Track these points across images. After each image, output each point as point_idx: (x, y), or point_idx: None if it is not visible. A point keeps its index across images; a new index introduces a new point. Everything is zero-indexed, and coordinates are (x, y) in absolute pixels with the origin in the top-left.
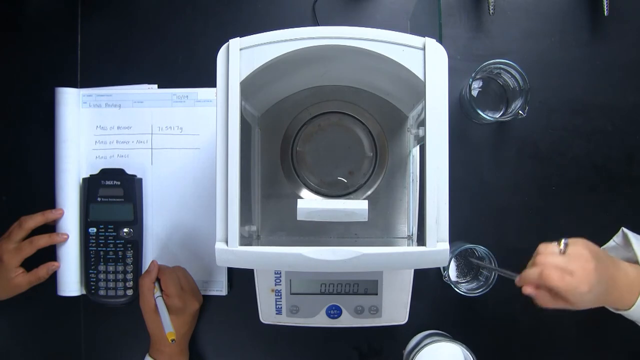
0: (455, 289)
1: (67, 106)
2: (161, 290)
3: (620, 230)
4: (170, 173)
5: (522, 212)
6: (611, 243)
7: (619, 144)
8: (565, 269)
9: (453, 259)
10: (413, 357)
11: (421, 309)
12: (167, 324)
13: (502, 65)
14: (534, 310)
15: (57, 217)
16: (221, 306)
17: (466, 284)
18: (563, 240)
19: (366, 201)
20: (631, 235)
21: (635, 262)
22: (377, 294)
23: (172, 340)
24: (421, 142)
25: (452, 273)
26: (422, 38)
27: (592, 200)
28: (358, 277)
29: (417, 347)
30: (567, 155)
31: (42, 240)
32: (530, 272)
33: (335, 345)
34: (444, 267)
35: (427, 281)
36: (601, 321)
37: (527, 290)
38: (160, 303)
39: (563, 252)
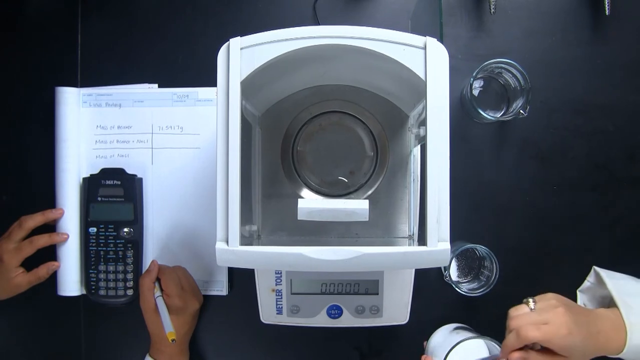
0: (457, 288)
1: (67, 106)
2: (161, 290)
3: (592, 269)
4: (170, 173)
5: (523, 212)
6: (586, 284)
7: (620, 144)
8: (539, 321)
9: (454, 258)
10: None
11: (422, 309)
12: (167, 324)
13: (503, 65)
14: None
15: (57, 216)
16: (222, 306)
17: (467, 283)
18: (530, 299)
19: (367, 201)
20: (603, 273)
21: (610, 301)
22: (377, 294)
23: (173, 340)
24: (422, 141)
25: (453, 273)
26: (423, 37)
27: (593, 200)
28: (359, 277)
29: (451, 345)
30: (568, 155)
31: (42, 240)
32: (509, 338)
33: (336, 345)
34: (444, 267)
35: (428, 281)
36: None
37: (515, 357)
38: (160, 303)
39: (533, 309)
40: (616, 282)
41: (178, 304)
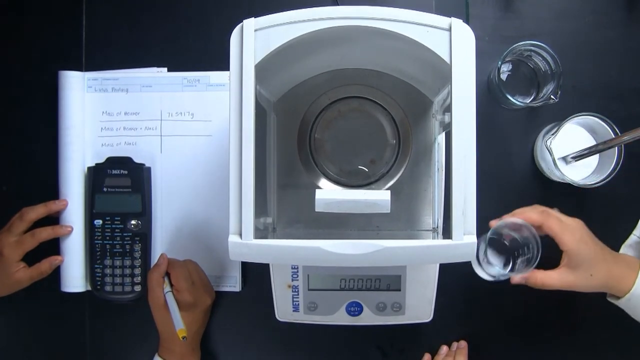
0: (488, 275)
1: (71, 91)
2: (171, 285)
3: (639, 222)
4: (180, 161)
5: (555, 202)
6: (632, 238)
7: None
8: (561, 218)
9: (485, 243)
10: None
11: (447, 306)
12: (177, 321)
13: (532, 47)
14: (566, 310)
15: (60, 208)
16: (235, 303)
17: (500, 270)
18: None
19: (388, 191)
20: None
21: None
22: (400, 290)
23: (183, 338)
24: (447, 128)
25: (485, 256)
26: (448, 18)
27: (628, 190)
28: (380, 272)
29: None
30: None
31: (45, 233)
32: (531, 211)
33: (356, 344)
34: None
35: (454, 276)
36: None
37: (516, 280)
38: (170, 298)
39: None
40: None
41: (189, 300)
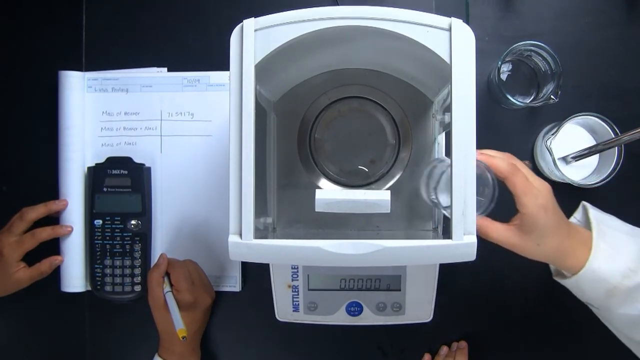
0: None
1: (71, 91)
2: (171, 285)
3: (581, 205)
4: (180, 161)
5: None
6: (572, 220)
7: None
8: (529, 176)
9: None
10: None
11: (447, 306)
12: (177, 320)
13: (532, 47)
14: (567, 310)
15: (60, 208)
16: (235, 303)
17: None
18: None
19: (389, 191)
20: (592, 208)
21: None
22: (400, 290)
23: (183, 338)
24: (447, 128)
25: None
26: (448, 18)
27: (628, 190)
28: (380, 272)
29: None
30: None
31: (45, 233)
32: (500, 161)
33: (356, 344)
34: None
35: (454, 276)
36: None
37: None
38: (170, 298)
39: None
40: (600, 215)
41: (188, 300)
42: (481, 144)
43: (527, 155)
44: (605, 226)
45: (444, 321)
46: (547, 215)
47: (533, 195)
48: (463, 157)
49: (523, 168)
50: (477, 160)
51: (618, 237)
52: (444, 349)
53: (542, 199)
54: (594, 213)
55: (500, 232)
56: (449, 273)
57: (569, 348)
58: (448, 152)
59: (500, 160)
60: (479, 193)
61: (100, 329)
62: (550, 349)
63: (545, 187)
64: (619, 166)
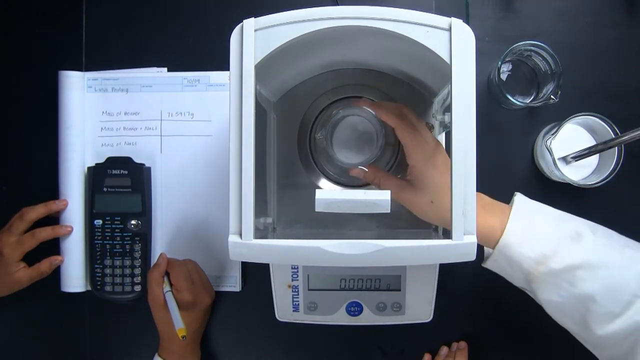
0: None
1: (71, 91)
2: (171, 284)
3: (513, 196)
4: (180, 161)
5: (555, 202)
6: None
7: None
8: (419, 129)
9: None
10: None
11: (447, 306)
12: (177, 320)
13: (532, 47)
14: None
15: (60, 208)
16: (235, 303)
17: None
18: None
19: (389, 191)
20: (519, 196)
21: None
22: (400, 290)
23: (183, 337)
24: (447, 128)
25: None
26: (448, 18)
27: (628, 190)
28: (380, 272)
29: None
30: None
31: (45, 233)
32: (393, 108)
33: (356, 344)
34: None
35: (454, 276)
36: None
37: (363, 173)
38: (169, 298)
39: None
40: (527, 200)
41: (188, 299)
42: (481, 144)
43: (528, 155)
44: (526, 209)
45: (444, 321)
46: (437, 171)
47: (421, 147)
48: (463, 157)
49: (411, 118)
50: (364, 108)
51: (536, 220)
52: (444, 349)
53: (431, 153)
54: (520, 196)
55: (392, 184)
56: (449, 273)
57: (569, 348)
58: (448, 152)
59: (387, 108)
60: (365, 140)
61: (100, 329)
62: (550, 349)
63: (437, 145)
64: (619, 166)
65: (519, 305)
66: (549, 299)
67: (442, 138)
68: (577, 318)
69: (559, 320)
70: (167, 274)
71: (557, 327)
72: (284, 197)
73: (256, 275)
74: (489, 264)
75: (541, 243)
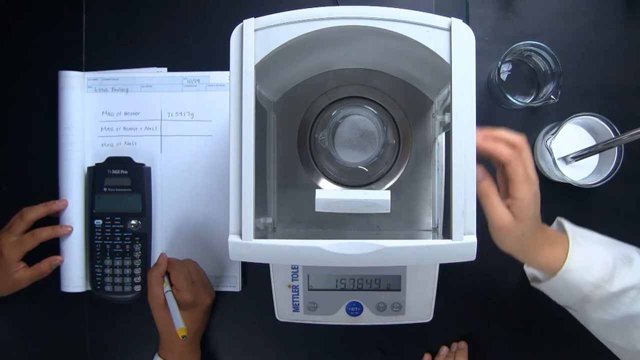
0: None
1: (71, 90)
2: (171, 284)
3: (556, 221)
4: (180, 162)
5: (555, 202)
6: None
7: None
8: (527, 165)
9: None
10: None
11: (447, 306)
12: (177, 319)
13: (532, 47)
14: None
15: (60, 208)
16: (235, 303)
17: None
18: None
19: (389, 191)
20: (567, 223)
21: None
22: (400, 290)
23: (183, 337)
24: (447, 128)
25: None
26: (448, 18)
27: (628, 190)
28: (380, 272)
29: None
30: None
31: (45, 233)
32: (500, 147)
33: (356, 344)
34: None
35: (454, 276)
36: None
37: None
38: (169, 298)
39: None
40: (575, 227)
41: (188, 299)
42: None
43: None
44: (581, 237)
45: (444, 321)
46: (537, 206)
47: (530, 183)
48: (463, 157)
49: (528, 156)
50: (365, 107)
51: (594, 249)
52: (444, 350)
53: (536, 189)
54: (570, 225)
55: (498, 205)
56: (449, 273)
57: (570, 348)
58: (448, 153)
59: (504, 148)
60: (367, 139)
61: (100, 329)
62: (551, 349)
63: (537, 180)
64: (619, 166)
65: (520, 306)
66: (601, 317)
67: (442, 138)
68: (625, 335)
69: (604, 336)
70: (168, 273)
71: (559, 327)
72: (284, 197)
73: (256, 275)
74: (544, 287)
75: (600, 268)
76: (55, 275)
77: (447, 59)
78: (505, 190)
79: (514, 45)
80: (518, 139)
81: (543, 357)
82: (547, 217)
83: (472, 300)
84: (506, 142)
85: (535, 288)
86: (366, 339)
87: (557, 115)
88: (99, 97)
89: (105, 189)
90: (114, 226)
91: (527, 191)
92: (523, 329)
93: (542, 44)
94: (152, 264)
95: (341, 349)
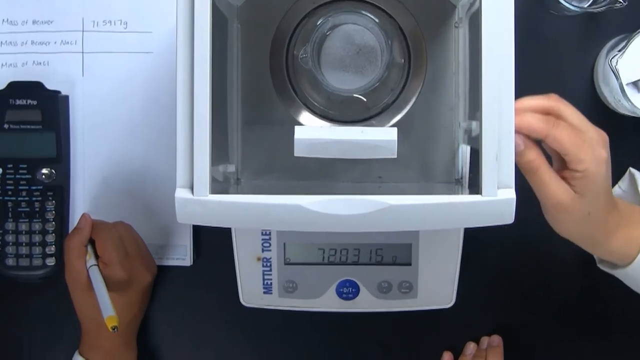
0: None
1: None
2: (96, 256)
3: (628, 171)
4: (110, 89)
5: (623, 144)
6: (616, 190)
7: None
8: (575, 124)
9: None
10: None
11: (474, 288)
12: (105, 305)
13: None
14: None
15: None
16: (184, 282)
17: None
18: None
19: (395, 129)
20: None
21: None
22: (410, 265)
23: (114, 328)
24: (475, 43)
25: None
26: None
27: None
28: (383, 240)
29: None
30: None
31: None
32: (534, 113)
33: (350, 337)
34: None
35: (484, 247)
36: None
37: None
38: (95, 275)
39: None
40: None
41: (120, 276)
42: (522, 63)
43: (586, 79)
44: None
45: (469, 308)
46: (606, 176)
47: (589, 146)
48: (496, 81)
49: (571, 112)
50: (363, 13)
51: None
52: (471, 347)
53: (603, 150)
54: None
55: (551, 178)
56: (477, 242)
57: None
58: (474, 74)
59: (532, 118)
60: (365, 58)
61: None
62: (613, 347)
63: (603, 136)
64: None
65: (573, 288)
66: None
67: (467, 55)
68: None
69: None
70: (92, 242)
71: (625, 318)
72: (251, 137)
73: (213, 244)
74: (619, 273)
75: None
76: None
77: None
78: (560, 161)
79: None
80: (548, 100)
81: (604, 356)
82: (614, 167)
83: (508, 279)
84: (532, 110)
85: (601, 269)
86: (363, 331)
87: (626, 26)
88: None
89: (5, 126)
90: (18, 177)
91: (590, 156)
92: (578, 319)
93: None
94: (71, 228)
95: (329, 343)
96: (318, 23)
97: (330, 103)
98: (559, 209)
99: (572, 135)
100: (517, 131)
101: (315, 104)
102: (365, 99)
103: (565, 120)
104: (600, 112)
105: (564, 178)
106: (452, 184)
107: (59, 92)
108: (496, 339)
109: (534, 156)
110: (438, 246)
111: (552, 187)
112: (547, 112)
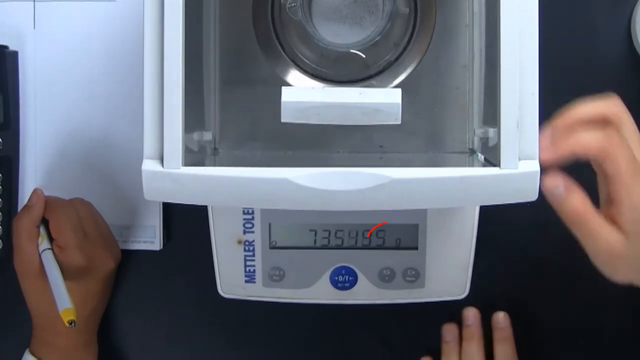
0: None
1: None
2: (50, 239)
3: None
4: (66, 43)
5: None
6: None
7: None
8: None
9: None
10: None
11: (490, 277)
12: (60, 296)
13: None
14: None
15: None
16: (153, 268)
17: None
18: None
19: (399, 90)
20: None
21: None
22: (417, 249)
23: (71, 323)
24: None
25: None
26: None
27: None
28: (385, 219)
29: None
30: None
31: None
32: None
33: (346, 333)
34: None
35: (504, 230)
36: None
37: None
38: (48, 260)
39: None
40: None
41: (78, 262)
42: (547, 15)
43: (621, 33)
44: None
45: (484, 299)
46: None
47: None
48: (517, 36)
49: (632, 131)
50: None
51: None
52: (451, 330)
53: None
54: None
55: (601, 227)
56: (494, 223)
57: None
58: (491, 26)
59: (588, 136)
60: (363, 6)
61: None
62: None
63: None
64: None
65: (583, 273)
66: None
67: (483, 5)
68: None
69: None
70: (45, 222)
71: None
72: (231, 99)
73: (187, 225)
74: None
75: None
76: None
77: None
78: (607, 193)
79: None
80: (608, 106)
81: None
82: None
83: (530, 267)
84: (589, 121)
85: None
86: (362, 325)
87: None
88: None
89: None
90: None
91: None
92: (608, 316)
93: None
94: (21, 206)
95: (322, 340)
96: None
97: (323, 60)
98: (612, 259)
99: (628, 161)
100: (563, 155)
101: (306, 60)
102: (364, 55)
103: (622, 135)
104: (637, 71)
105: (610, 217)
106: (465, 155)
107: (6, 47)
108: (502, 319)
109: (580, 203)
110: (449, 228)
111: (603, 236)
112: (604, 121)
